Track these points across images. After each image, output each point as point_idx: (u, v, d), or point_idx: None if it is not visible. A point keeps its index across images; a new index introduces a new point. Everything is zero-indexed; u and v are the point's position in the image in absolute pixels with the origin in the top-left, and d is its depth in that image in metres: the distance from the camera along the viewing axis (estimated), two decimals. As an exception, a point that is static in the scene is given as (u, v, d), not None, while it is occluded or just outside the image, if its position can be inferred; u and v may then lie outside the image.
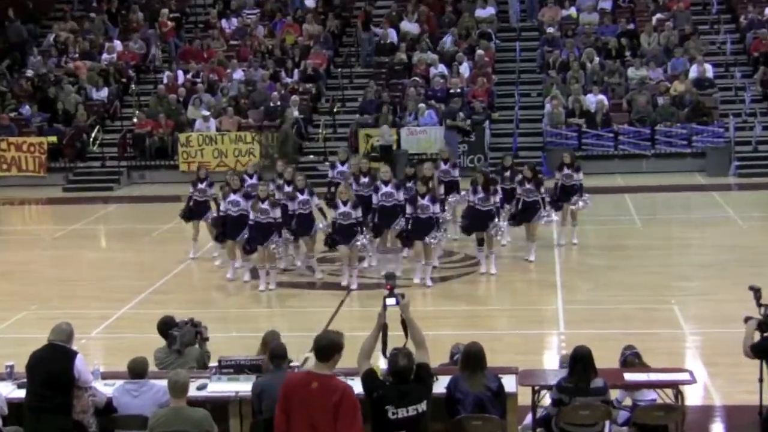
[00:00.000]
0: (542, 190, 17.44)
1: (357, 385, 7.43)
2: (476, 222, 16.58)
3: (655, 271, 16.73)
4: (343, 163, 18.72)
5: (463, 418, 8.25)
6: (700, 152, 26.30)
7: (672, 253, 18.17)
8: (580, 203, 18.25)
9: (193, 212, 18.20)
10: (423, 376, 7.39)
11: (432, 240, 15.93)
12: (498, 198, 16.56)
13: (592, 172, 23.57)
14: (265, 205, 15.92)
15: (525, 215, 17.33)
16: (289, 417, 7.12)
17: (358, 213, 16.06)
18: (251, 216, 16.08)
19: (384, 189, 16.66)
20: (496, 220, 16.45)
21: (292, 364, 8.90)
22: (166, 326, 9.90)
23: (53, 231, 22.53)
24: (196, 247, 18.52)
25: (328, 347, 7.14)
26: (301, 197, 16.59)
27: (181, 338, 9.70)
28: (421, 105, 26.90)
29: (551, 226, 18.41)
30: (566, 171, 18.23)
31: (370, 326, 7.58)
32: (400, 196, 16.55)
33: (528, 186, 17.25)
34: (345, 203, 16.05)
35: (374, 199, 16.79)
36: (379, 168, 17.80)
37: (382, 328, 7.50)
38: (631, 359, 9.65)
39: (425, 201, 15.82)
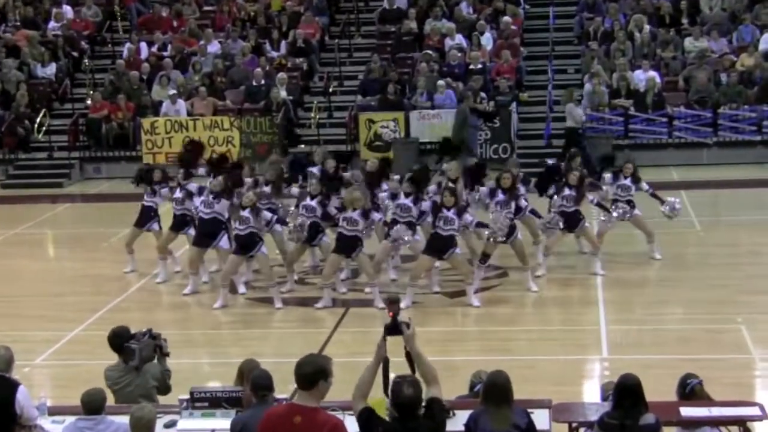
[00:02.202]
0: (590, 198, 17.28)
1: (353, 422, 7.43)
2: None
3: (718, 284, 16.73)
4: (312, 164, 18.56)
5: (485, 461, 8.25)
6: (773, 140, 26.42)
7: (739, 262, 18.15)
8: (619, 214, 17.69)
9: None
10: (434, 410, 7.37)
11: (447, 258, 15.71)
12: (523, 203, 16.48)
13: (642, 165, 23.41)
14: (246, 213, 15.83)
15: (566, 226, 17.12)
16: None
17: (366, 223, 15.90)
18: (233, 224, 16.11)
19: (400, 200, 16.27)
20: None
21: (279, 397, 8.92)
22: (120, 339, 9.89)
23: (-10, 236, 22.59)
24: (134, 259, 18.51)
25: (310, 373, 7.16)
26: (308, 202, 16.41)
27: (140, 352, 9.71)
28: (440, 82, 26.87)
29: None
30: (622, 181, 17.86)
31: (372, 351, 7.56)
32: (424, 206, 15.99)
33: (568, 192, 16.88)
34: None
35: (387, 208, 16.65)
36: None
37: (383, 362, 7.48)
38: (699, 389, 9.64)
39: (450, 213, 15.39)
